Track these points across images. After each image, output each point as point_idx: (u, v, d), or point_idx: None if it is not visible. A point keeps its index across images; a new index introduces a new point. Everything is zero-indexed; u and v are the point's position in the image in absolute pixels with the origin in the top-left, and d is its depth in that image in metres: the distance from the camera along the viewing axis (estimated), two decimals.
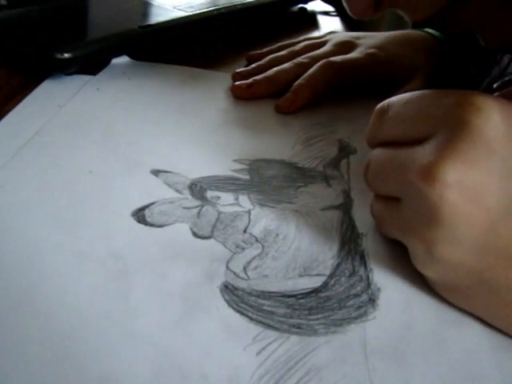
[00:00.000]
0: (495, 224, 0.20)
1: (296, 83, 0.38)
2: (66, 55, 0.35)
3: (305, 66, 0.39)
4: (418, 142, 0.21)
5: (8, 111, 0.32)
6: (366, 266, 0.24)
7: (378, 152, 0.24)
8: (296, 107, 0.37)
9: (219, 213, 0.26)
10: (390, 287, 0.23)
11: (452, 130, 0.20)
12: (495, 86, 0.23)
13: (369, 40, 0.42)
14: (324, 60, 0.39)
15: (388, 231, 0.24)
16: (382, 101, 0.24)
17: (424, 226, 0.21)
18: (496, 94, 0.22)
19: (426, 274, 0.22)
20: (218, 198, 0.27)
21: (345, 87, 0.39)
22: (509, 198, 0.20)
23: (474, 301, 0.22)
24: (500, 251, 0.20)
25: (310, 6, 0.63)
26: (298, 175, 0.30)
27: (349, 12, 0.27)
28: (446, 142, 0.20)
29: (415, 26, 0.47)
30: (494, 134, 0.19)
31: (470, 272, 0.21)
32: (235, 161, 0.31)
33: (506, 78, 0.23)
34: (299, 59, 0.40)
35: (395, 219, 0.23)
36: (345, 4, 0.27)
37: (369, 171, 0.24)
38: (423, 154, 0.20)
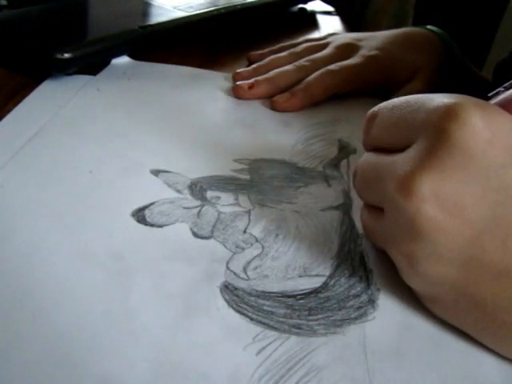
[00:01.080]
0: (479, 237, 0.19)
1: (295, 88, 0.38)
2: (66, 55, 0.35)
3: (306, 69, 0.39)
4: (401, 149, 0.21)
5: (8, 111, 0.32)
6: (365, 267, 0.24)
7: (365, 158, 0.24)
8: (290, 107, 0.37)
9: (219, 213, 0.26)
10: (390, 288, 0.23)
11: (429, 138, 0.19)
12: (490, 95, 0.23)
13: (370, 42, 0.42)
14: (323, 69, 0.39)
15: (374, 241, 0.24)
16: (382, 101, 0.24)
17: (405, 240, 0.20)
18: (492, 101, 0.22)
19: (411, 286, 0.22)
20: (218, 198, 0.27)
21: (345, 92, 0.39)
22: (492, 210, 0.19)
23: (462, 316, 0.21)
24: (485, 265, 0.19)
25: (309, 6, 0.63)
26: (298, 175, 0.30)
27: None
28: (422, 150, 0.19)
29: (416, 23, 0.47)
30: (473, 141, 0.18)
31: (454, 287, 0.20)
32: (235, 161, 0.31)
33: (501, 88, 0.22)
34: (301, 62, 0.40)
35: (379, 230, 0.23)
36: None
37: (356, 178, 0.24)
38: (402, 163, 0.20)
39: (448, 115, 0.19)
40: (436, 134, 0.19)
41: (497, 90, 0.22)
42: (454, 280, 0.20)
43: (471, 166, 0.18)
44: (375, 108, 0.24)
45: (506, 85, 0.22)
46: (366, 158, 0.24)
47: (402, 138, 0.21)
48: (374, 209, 0.23)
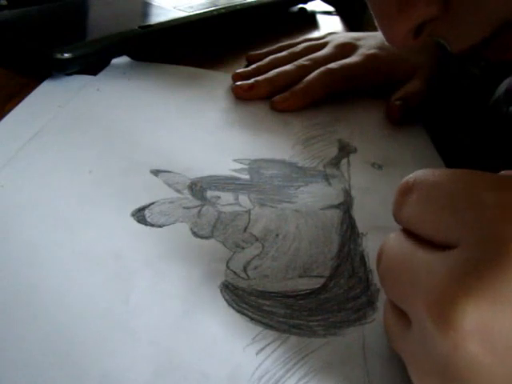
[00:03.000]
0: None
1: (294, 88, 0.38)
2: (66, 55, 0.35)
3: (306, 69, 0.39)
4: (442, 244, 0.16)
5: (8, 111, 0.32)
6: (365, 267, 0.24)
7: (393, 240, 0.19)
8: (290, 107, 0.38)
9: (219, 212, 0.26)
10: None
11: (482, 247, 0.15)
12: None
13: (369, 41, 0.42)
14: (323, 68, 0.39)
15: (396, 349, 0.19)
16: (381, 101, 0.23)
17: (435, 378, 0.16)
18: None
19: None
20: (218, 197, 0.27)
21: (345, 91, 0.39)
22: None
23: None
24: None
25: (309, 6, 0.63)
26: (298, 175, 0.30)
27: (387, 41, 0.23)
28: (471, 262, 0.14)
29: None
30: None
31: None
32: (235, 161, 0.31)
33: None
34: (300, 61, 0.40)
35: (403, 342, 0.17)
36: (381, 32, 0.23)
37: (381, 262, 0.19)
38: (439, 270, 0.15)
39: (510, 222, 0.14)
40: (491, 245, 0.14)
41: None
42: None
43: None
44: (411, 178, 0.18)
45: None
46: (395, 241, 0.18)
47: (444, 231, 0.16)
48: (400, 311, 0.17)
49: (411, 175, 0.18)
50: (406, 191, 0.18)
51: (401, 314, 0.17)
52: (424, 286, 0.15)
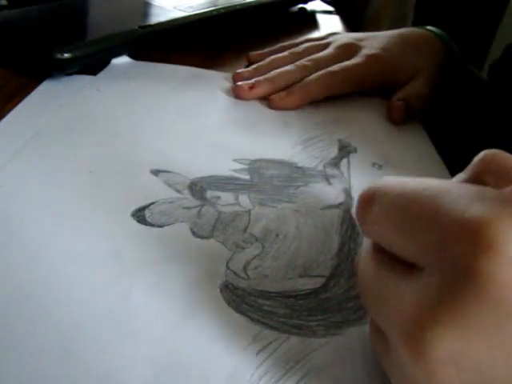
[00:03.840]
0: None
1: (292, 87, 0.38)
2: (66, 55, 0.35)
3: (307, 69, 0.39)
4: (409, 264, 0.16)
5: (8, 111, 0.32)
6: None
7: (365, 260, 0.18)
8: (287, 105, 0.38)
9: (219, 213, 0.26)
10: None
11: (450, 271, 0.14)
12: None
13: (371, 41, 0.42)
14: (323, 70, 0.39)
15: (383, 367, 0.18)
16: (381, 101, 0.23)
17: None
18: None
19: None
20: (218, 197, 0.27)
21: (346, 93, 0.39)
22: None
23: None
24: None
25: (309, 6, 0.63)
26: (298, 175, 0.30)
27: None
28: (440, 288, 0.14)
29: (416, 23, 0.47)
30: None
31: None
32: (235, 161, 0.31)
33: None
34: (302, 62, 0.40)
35: (387, 361, 0.17)
36: None
37: (357, 272, 0.18)
38: (411, 295, 0.15)
39: (476, 244, 0.13)
40: (458, 269, 0.14)
41: None
42: None
43: (507, 323, 0.13)
44: (369, 191, 0.17)
45: None
46: (367, 259, 0.18)
47: (410, 252, 0.16)
48: (381, 332, 0.17)
49: (372, 185, 0.18)
50: (367, 203, 0.17)
51: (382, 334, 0.17)
52: (395, 314, 0.15)
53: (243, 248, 0.24)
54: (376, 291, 0.17)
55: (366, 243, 0.18)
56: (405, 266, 0.16)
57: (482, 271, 0.13)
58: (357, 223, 0.19)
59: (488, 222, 0.13)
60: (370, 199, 0.17)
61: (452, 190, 0.15)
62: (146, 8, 0.46)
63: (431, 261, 0.15)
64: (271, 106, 0.38)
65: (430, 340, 0.14)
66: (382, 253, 0.17)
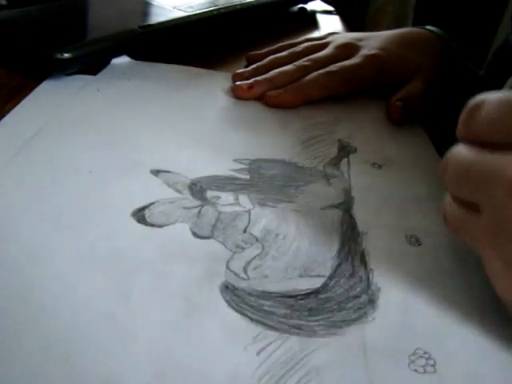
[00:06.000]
0: None
1: (289, 85, 0.38)
2: (66, 55, 0.35)
3: (306, 69, 0.39)
4: (511, 148, 0.19)
5: (8, 111, 0.32)
6: (366, 266, 0.24)
7: (462, 151, 0.21)
8: (282, 103, 0.38)
9: (219, 213, 0.26)
10: (390, 287, 0.23)
11: None
12: None
13: (371, 41, 0.42)
14: (322, 70, 0.39)
15: (462, 238, 0.22)
16: (381, 101, 0.24)
17: (505, 243, 0.19)
18: None
19: (503, 292, 0.21)
20: (218, 197, 0.27)
21: (345, 93, 0.39)
22: None
23: None
24: None
25: (309, 6, 0.63)
26: (298, 175, 0.30)
27: None
28: None
29: (416, 23, 0.47)
30: None
31: None
32: (235, 161, 0.31)
33: None
34: (301, 62, 0.40)
35: (473, 228, 0.21)
36: None
37: (447, 171, 0.22)
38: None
39: None
40: None
41: None
42: None
43: None
44: (479, 98, 0.21)
45: None
46: (463, 151, 0.21)
47: None
48: (467, 204, 0.21)
49: (478, 97, 0.21)
50: (474, 109, 0.21)
51: (467, 206, 0.21)
52: (501, 177, 0.18)
53: (243, 248, 0.24)
54: (475, 169, 0.20)
55: (460, 145, 0.21)
56: (506, 149, 0.19)
57: None
58: (458, 131, 0.22)
59: None
60: (477, 105, 0.21)
61: None
62: (146, 8, 0.46)
63: None
64: (267, 103, 0.38)
65: None
66: (479, 146, 0.20)
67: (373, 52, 0.40)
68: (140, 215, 0.25)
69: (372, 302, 0.22)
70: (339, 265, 0.24)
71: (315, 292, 0.23)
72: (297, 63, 0.40)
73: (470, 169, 0.21)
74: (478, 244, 0.21)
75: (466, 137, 0.22)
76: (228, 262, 0.23)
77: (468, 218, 0.21)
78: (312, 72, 0.39)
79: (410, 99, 0.39)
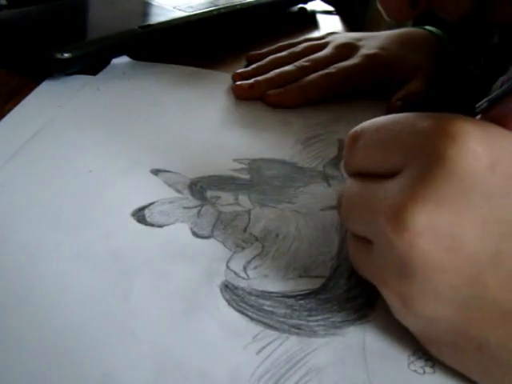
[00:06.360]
0: (481, 274, 0.17)
1: (289, 85, 0.38)
2: (66, 55, 0.35)
3: (306, 69, 0.39)
4: (389, 175, 0.19)
5: (8, 111, 0.32)
6: None
7: (350, 184, 0.21)
8: (281, 102, 0.38)
9: (219, 212, 0.26)
10: None
11: (422, 164, 0.17)
12: (478, 106, 0.20)
13: (370, 41, 0.42)
14: (321, 72, 0.39)
15: (363, 274, 0.21)
16: (381, 101, 0.24)
17: (397, 278, 0.18)
18: (479, 116, 0.20)
19: (406, 325, 0.20)
20: (218, 197, 0.27)
21: (344, 93, 0.39)
22: (495, 244, 0.17)
23: (462, 358, 0.19)
24: (488, 305, 0.17)
25: (309, 6, 0.63)
26: (297, 175, 0.30)
27: (385, 15, 0.25)
28: (415, 178, 0.17)
29: (416, 24, 0.47)
30: (473, 168, 0.17)
31: (453, 327, 0.18)
32: (235, 161, 0.31)
33: (493, 95, 0.20)
34: (300, 62, 0.40)
35: (367, 263, 0.20)
36: (380, 7, 0.25)
37: (341, 206, 0.22)
38: (392, 192, 0.18)
39: (443, 139, 0.17)
40: (430, 160, 0.17)
41: (481, 103, 0.20)
42: (452, 320, 0.18)
43: (471, 195, 0.17)
44: (358, 128, 0.21)
45: (489, 97, 0.20)
46: (351, 184, 0.21)
47: (391, 162, 0.19)
48: (362, 240, 0.20)
49: (357, 126, 0.21)
50: (354, 139, 0.21)
51: (362, 241, 0.20)
52: (382, 206, 0.18)
53: (243, 248, 0.24)
54: (363, 201, 0.20)
55: (348, 181, 0.22)
56: (387, 177, 0.19)
57: (448, 158, 0.17)
58: (343, 163, 0.22)
59: (453, 123, 0.17)
60: (356, 135, 0.21)
61: (424, 114, 0.19)
62: (146, 8, 0.46)
63: (411, 160, 0.18)
64: (267, 102, 0.38)
65: (410, 215, 0.17)
66: (364, 178, 0.20)
67: (372, 52, 0.40)
68: (140, 215, 0.25)
69: (371, 302, 0.22)
70: (339, 265, 0.24)
71: (315, 292, 0.23)
72: (297, 63, 0.40)
73: (355, 201, 0.20)
74: (375, 281, 0.20)
75: (351, 170, 0.22)
76: (228, 262, 0.23)
77: (362, 253, 0.21)
78: (312, 72, 0.39)
79: (410, 99, 0.39)
